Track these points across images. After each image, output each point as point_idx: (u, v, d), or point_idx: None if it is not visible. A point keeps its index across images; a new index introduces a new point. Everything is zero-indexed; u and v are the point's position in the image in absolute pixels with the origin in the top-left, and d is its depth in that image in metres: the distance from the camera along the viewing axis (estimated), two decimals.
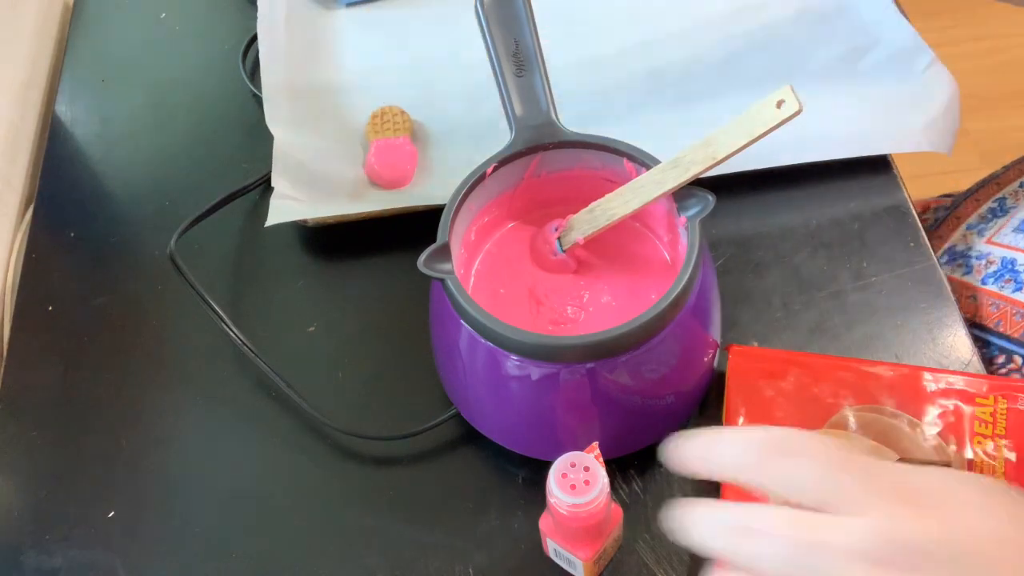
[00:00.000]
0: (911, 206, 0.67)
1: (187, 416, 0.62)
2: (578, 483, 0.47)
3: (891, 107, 0.70)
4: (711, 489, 0.55)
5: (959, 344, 0.61)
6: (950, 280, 0.63)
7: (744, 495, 0.37)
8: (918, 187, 0.78)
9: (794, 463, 0.34)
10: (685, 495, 0.56)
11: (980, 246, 0.66)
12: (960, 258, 0.67)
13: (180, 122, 0.78)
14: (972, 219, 0.70)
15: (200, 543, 0.57)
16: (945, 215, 0.74)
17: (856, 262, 0.65)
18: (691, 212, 0.53)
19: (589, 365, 0.50)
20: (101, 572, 0.56)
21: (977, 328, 0.63)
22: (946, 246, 0.69)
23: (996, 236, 0.66)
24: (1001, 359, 0.63)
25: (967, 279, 0.64)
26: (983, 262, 0.64)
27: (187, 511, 0.58)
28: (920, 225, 0.66)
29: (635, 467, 0.57)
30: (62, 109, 0.79)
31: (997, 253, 0.65)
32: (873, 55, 0.74)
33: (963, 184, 0.79)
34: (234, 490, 0.59)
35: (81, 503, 0.59)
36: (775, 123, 0.48)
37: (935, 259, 0.65)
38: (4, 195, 0.74)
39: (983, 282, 0.62)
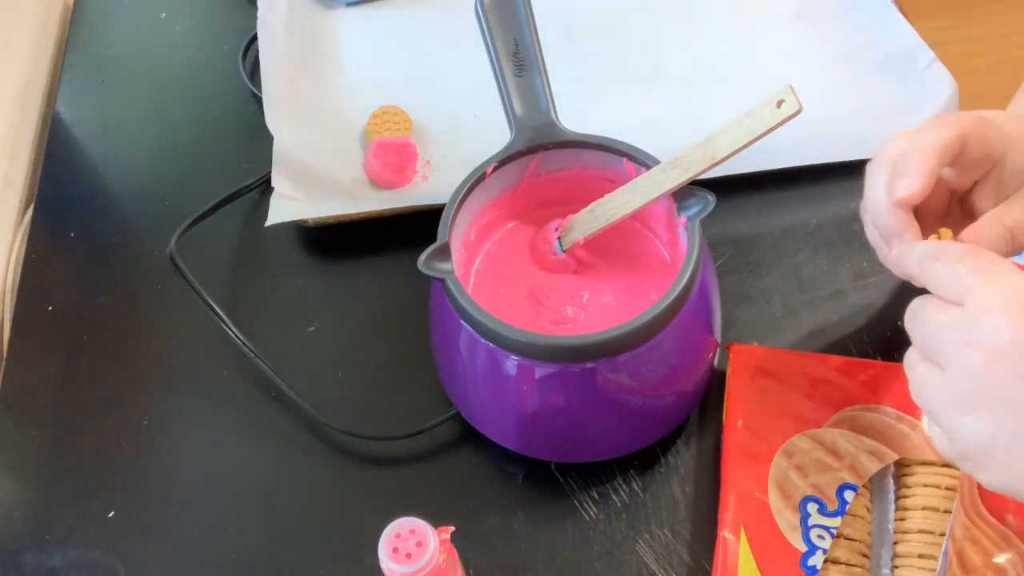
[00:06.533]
0: None
1: (187, 416, 0.62)
2: (412, 551, 0.44)
3: (891, 107, 0.70)
4: (713, 487, 0.55)
5: None
6: None
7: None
8: None
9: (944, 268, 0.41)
10: (685, 495, 0.56)
11: None
12: None
13: (180, 122, 0.78)
14: None
15: (200, 543, 0.57)
16: None
17: (856, 262, 0.65)
18: (691, 212, 0.53)
19: (589, 365, 0.50)
20: (101, 572, 0.56)
21: None
22: None
23: None
24: None
25: None
26: None
27: (187, 511, 0.58)
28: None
29: (635, 467, 0.57)
30: (62, 109, 0.79)
31: None
32: (873, 55, 0.74)
33: None
34: (234, 490, 0.59)
35: (81, 503, 0.59)
36: (775, 123, 0.48)
37: None
38: (4, 195, 0.74)
39: None
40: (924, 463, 0.53)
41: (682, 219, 0.53)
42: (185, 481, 0.60)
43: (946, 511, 0.51)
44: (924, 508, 0.52)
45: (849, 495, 0.52)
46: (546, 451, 0.57)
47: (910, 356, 0.42)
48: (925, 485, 0.52)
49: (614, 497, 0.56)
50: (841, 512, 0.51)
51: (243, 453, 0.60)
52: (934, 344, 0.39)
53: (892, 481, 0.54)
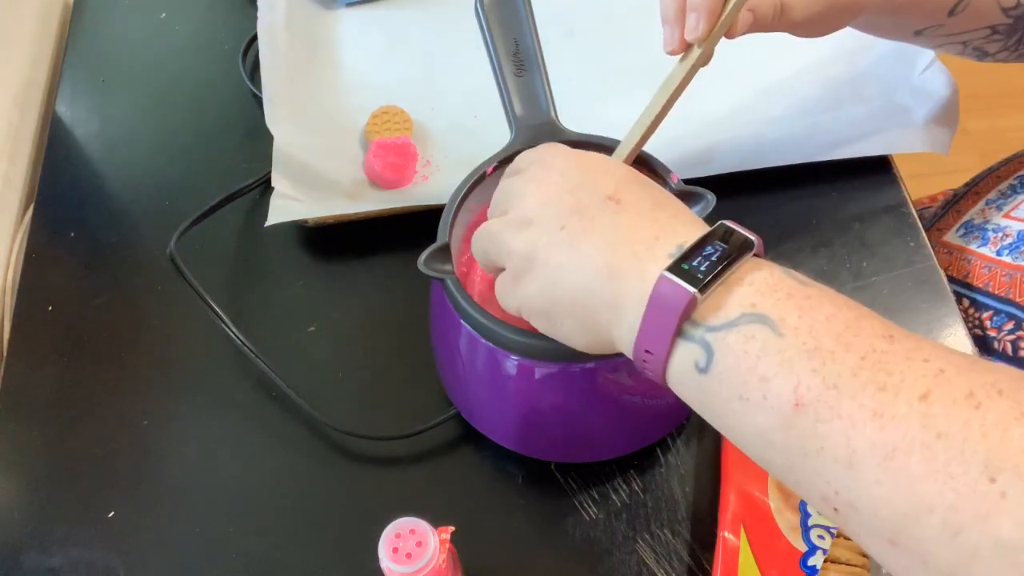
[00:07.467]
0: (911, 206, 0.67)
1: (187, 416, 0.62)
2: (412, 551, 0.44)
3: (891, 107, 0.70)
4: (713, 487, 0.55)
5: (959, 343, 0.61)
6: (964, 251, 0.64)
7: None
8: (918, 187, 0.77)
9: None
10: (685, 495, 0.56)
11: (997, 219, 0.67)
12: (976, 230, 0.67)
13: (180, 122, 0.78)
14: (992, 195, 0.71)
15: (200, 543, 0.57)
16: (964, 191, 0.74)
17: (856, 262, 0.65)
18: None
19: (589, 365, 0.50)
20: (101, 572, 0.56)
21: (988, 296, 0.64)
22: (963, 219, 0.70)
23: (1015, 211, 0.67)
24: (1010, 325, 0.63)
25: (982, 250, 0.65)
26: (1000, 234, 0.65)
27: (187, 511, 0.58)
28: (920, 225, 0.66)
29: (635, 467, 0.57)
30: (62, 109, 0.79)
31: (1014, 227, 0.66)
32: (873, 55, 0.74)
33: (962, 184, 0.79)
34: (234, 490, 0.59)
35: (81, 503, 0.59)
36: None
37: (935, 259, 0.65)
38: (4, 195, 0.74)
39: (998, 253, 0.63)
40: None
41: None
42: (185, 481, 0.60)
43: None
44: None
45: None
46: (546, 451, 0.57)
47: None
48: None
49: (614, 497, 0.56)
50: None
51: (243, 453, 0.60)
52: (498, 204, 0.48)
53: None
